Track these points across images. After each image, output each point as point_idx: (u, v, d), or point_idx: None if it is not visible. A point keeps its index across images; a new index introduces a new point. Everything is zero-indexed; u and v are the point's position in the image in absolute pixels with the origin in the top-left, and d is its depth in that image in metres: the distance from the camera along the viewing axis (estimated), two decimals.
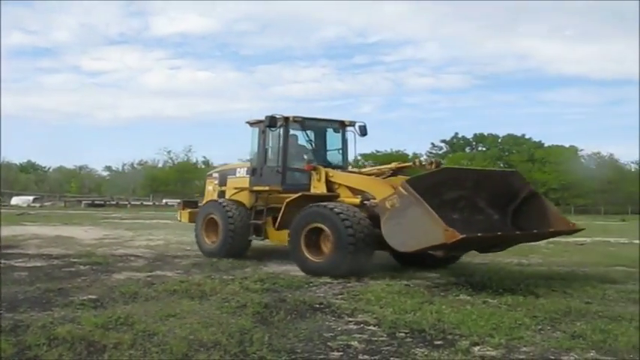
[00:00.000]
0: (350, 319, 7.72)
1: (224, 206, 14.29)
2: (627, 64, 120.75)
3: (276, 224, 13.11)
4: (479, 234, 10.20)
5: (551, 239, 18.96)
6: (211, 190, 15.91)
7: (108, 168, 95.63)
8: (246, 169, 14.76)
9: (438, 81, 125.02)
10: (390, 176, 12.54)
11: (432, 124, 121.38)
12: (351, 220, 11.13)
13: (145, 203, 69.68)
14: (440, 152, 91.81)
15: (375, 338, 6.75)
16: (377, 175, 12.99)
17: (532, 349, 6.42)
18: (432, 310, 7.98)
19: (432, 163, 12.40)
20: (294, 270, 11.91)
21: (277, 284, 10.12)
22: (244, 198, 14.50)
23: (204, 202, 16.00)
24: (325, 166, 13.26)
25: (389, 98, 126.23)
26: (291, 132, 13.89)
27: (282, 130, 13.62)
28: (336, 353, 6.15)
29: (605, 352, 6.33)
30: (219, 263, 12.94)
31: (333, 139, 14.72)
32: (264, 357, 5.87)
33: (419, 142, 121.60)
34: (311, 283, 10.50)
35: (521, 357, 6.14)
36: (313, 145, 14.25)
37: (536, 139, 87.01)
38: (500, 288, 9.94)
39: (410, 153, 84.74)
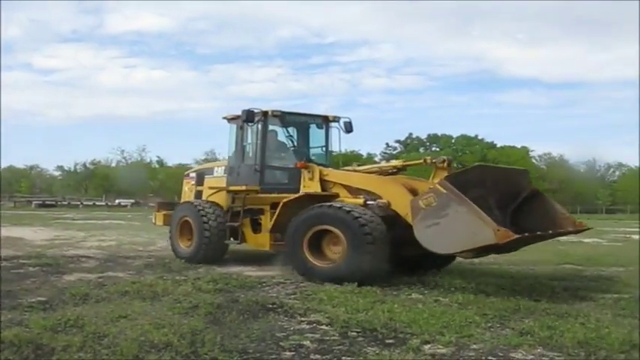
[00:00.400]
0: (302, 318, 7.74)
1: (198, 208, 13.57)
2: (576, 67, 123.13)
3: (270, 227, 12.22)
4: (526, 234, 9.60)
5: None
6: (188, 190, 15.29)
7: (60, 168, 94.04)
8: (223, 168, 14.17)
9: (393, 82, 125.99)
10: (389, 175, 12.03)
11: (387, 125, 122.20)
12: (365, 218, 10.38)
13: (97, 203, 68.83)
14: (394, 152, 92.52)
15: (327, 338, 6.78)
16: (377, 173, 12.26)
17: (481, 346, 6.52)
18: (384, 309, 8.03)
19: (444, 161, 11.05)
20: (247, 270, 11.94)
21: (230, 284, 10.08)
22: (221, 199, 13.80)
23: (181, 203, 15.29)
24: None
25: (344, 98, 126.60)
26: (271, 127, 13.27)
27: (260, 125, 12.90)
28: (288, 353, 6.17)
29: (551, 348, 6.46)
30: (172, 264, 12.89)
31: (315, 135, 14.03)
32: (216, 358, 5.85)
33: (374, 142, 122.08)
34: (264, 283, 10.51)
35: (470, 354, 6.23)
36: (294, 141, 13.64)
37: (488, 139, 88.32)
38: (451, 287, 10.07)
39: (364, 153, 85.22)
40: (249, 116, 12.64)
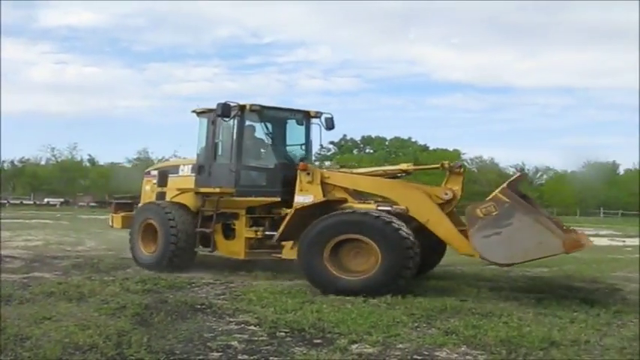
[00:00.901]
0: (231, 319, 7.73)
1: (165, 210, 12.30)
2: (507, 72, 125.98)
3: (278, 236, 10.89)
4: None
5: None
6: (149, 190, 13.98)
7: None
8: (191, 166, 12.92)
9: (328, 83, 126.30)
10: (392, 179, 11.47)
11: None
12: (406, 231, 9.69)
13: (25, 202, 67.10)
14: (328, 154, 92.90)
15: (255, 338, 6.80)
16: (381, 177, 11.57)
17: (407, 345, 6.63)
18: (313, 310, 8.10)
19: (460, 166, 10.85)
20: (177, 270, 11.79)
21: (159, 285, 10.00)
22: (189, 201, 12.59)
23: (141, 204, 14.16)
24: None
25: (280, 99, 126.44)
26: (248, 123, 12.14)
27: (236, 120, 11.75)
28: (215, 354, 6.16)
29: (475, 346, 6.63)
30: (100, 264, 12.69)
31: (296, 132, 12.81)
32: (142, 359, 5.81)
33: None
34: (193, 283, 10.45)
35: (396, 353, 6.33)
36: (274, 139, 12.43)
37: (421, 142, 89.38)
38: None
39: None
40: (224, 110, 11.44)
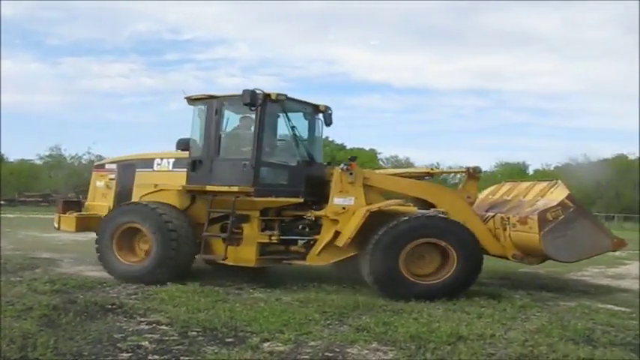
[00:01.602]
0: (142, 319, 7.63)
1: (159, 212, 10.74)
2: (424, 74, 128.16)
3: (348, 240, 10.08)
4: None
5: None
6: (103, 186, 12.34)
7: None
8: (172, 160, 11.49)
9: (248, 81, 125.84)
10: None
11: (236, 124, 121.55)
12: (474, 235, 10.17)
13: None
14: None
15: (167, 338, 6.73)
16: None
17: (319, 342, 6.71)
18: (225, 309, 8.09)
19: (480, 171, 11.50)
20: (88, 270, 11.57)
21: (68, 285, 9.74)
22: (173, 201, 11.19)
23: (89, 202, 12.53)
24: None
25: None
26: (270, 114, 10.82)
27: (257, 110, 10.52)
28: (125, 354, 6.08)
29: (385, 342, 6.78)
30: (8, 264, 12.22)
31: (312, 127, 11.85)
32: None
33: None
34: (105, 283, 10.24)
35: (308, 351, 6.40)
36: (294, 132, 11.11)
37: (339, 141, 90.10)
38: (294, 286, 10.26)
39: None
40: (253, 98, 10.25)
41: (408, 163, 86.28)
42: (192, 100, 11.23)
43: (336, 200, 10.48)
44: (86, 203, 12.59)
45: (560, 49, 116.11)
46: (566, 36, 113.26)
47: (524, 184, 11.91)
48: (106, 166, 12.63)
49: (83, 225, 12.15)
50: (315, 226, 10.66)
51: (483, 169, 12.98)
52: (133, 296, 9.19)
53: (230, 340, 6.70)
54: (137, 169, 11.84)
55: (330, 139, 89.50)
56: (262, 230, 10.71)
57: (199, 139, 11.21)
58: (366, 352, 6.47)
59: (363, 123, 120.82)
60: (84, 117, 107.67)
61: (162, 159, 11.65)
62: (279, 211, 10.85)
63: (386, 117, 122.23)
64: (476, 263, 9.99)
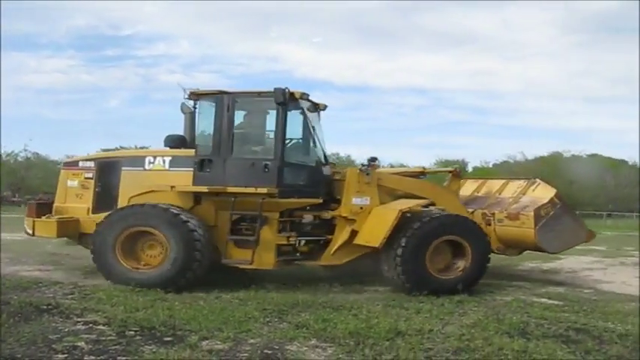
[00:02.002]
0: (79, 319, 7.50)
1: (177, 214, 10.11)
2: (365, 72, 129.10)
3: (383, 240, 10.12)
4: None
5: None
6: (77, 186, 11.24)
7: None
8: (168, 158, 10.85)
9: (189, 78, 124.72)
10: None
11: (180, 121, 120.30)
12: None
13: None
14: None
15: (104, 338, 6.64)
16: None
17: (258, 340, 6.72)
18: (164, 307, 8.03)
19: (461, 171, 13.27)
20: (23, 270, 11.34)
21: (3, 286, 9.48)
22: (171, 202, 10.45)
23: (59, 203, 11.31)
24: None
25: (137, 93, 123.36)
26: (293, 113, 10.81)
27: (280, 109, 10.39)
28: (60, 355, 5.98)
29: (324, 339, 6.83)
30: None
31: (320, 126, 11.75)
32: None
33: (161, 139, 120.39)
34: (40, 283, 10.01)
35: (247, 349, 6.39)
36: (313, 132, 11.09)
37: None
38: (234, 284, 10.20)
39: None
40: (285, 97, 10.17)
41: (349, 161, 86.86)
42: (197, 95, 10.93)
43: (354, 200, 10.66)
44: (54, 205, 11.39)
45: (497, 49, 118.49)
46: (504, 36, 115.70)
47: (494, 182, 13.23)
48: (80, 163, 11.41)
49: (64, 230, 11.07)
50: (327, 226, 10.81)
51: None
52: (70, 296, 9.03)
53: (168, 339, 6.65)
54: (123, 168, 11.04)
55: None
56: (279, 232, 10.58)
57: (207, 136, 10.85)
58: (305, 348, 6.50)
59: None
60: (20, 113, 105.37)
61: (155, 157, 10.94)
62: (292, 211, 10.76)
63: (327, 114, 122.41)
64: (487, 257, 10.77)
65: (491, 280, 11.77)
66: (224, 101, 10.50)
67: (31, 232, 11.24)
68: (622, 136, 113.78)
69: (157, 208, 10.21)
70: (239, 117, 10.84)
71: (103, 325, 7.20)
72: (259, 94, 10.54)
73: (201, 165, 10.47)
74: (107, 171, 11.14)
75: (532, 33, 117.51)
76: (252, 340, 6.69)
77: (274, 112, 10.49)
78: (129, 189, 10.79)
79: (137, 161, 11.04)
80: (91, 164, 11.28)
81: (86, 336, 6.69)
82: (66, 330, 6.94)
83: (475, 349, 6.53)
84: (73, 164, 11.52)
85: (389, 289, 10.30)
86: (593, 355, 6.58)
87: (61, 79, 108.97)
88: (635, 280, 12.99)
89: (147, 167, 10.88)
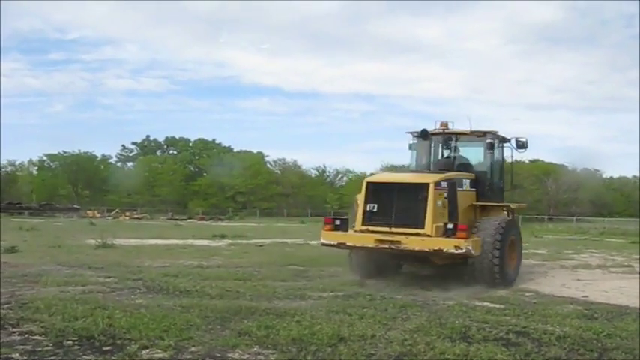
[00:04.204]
0: (15, 329, 7.28)
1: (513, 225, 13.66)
2: (313, 78, 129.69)
3: None
4: None
5: (232, 242, 19.67)
6: (440, 205, 12.05)
7: None
8: (470, 181, 13.35)
9: (136, 83, 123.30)
10: None
11: (126, 126, 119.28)
12: None
13: None
14: (130, 155, 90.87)
15: (40, 348, 6.47)
16: None
17: (200, 348, 6.63)
18: (104, 316, 7.81)
19: None
20: None
21: None
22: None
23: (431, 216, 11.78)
24: None
25: (83, 98, 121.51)
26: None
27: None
28: None
29: (267, 346, 6.76)
30: None
31: None
32: None
33: (110, 144, 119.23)
34: None
35: (188, 357, 6.30)
36: None
37: (226, 144, 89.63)
38: (176, 290, 10.09)
39: (99, 155, 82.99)
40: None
41: (295, 165, 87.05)
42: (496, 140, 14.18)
43: None
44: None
45: (442, 57, 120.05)
46: (449, 45, 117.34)
47: None
48: (442, 184, 12.18)
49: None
50: None
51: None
52: (6, 305, 8.74)
53: (108, 348, 6.50)
54: (457, 188, 12.58)
55: (217, 141, 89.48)
56: None
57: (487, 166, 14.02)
58: (248, 356, 6.43)
59: (252, 126, 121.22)
60: None
61: (465, 179, 13.22)
62: None
63: (275, 120, 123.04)
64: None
65: (435, 283, 11.87)
66: (492, 139, 14.13)
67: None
68: (562, 141, 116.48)
69: (514, 223, 14.40)
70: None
71: (40, 335, 7.01)
72: None
73: (487, 187, 13.92)
74: (453, 190, 12.46)
75: (476, 42, 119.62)
76: (193, 348, 6.60)
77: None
78: (465, 207, 12.97)
79: (460, 183, 12.98)
80: (445, 185, 12.27)
81: (21, 347, 6.50)
82: (0, 341, 6.74)
83: (417, 354, 6.55)
84: (438, 185, 12.05)
85: (332, 295, 10.28)
86: (532, 357, 6.67)
87: (5, 82, 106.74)
88: (573, 282, 13.29)
89: (463, 188, 13.05)
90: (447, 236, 11.42)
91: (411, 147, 14.48)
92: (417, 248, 11.43)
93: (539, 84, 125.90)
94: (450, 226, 11.55)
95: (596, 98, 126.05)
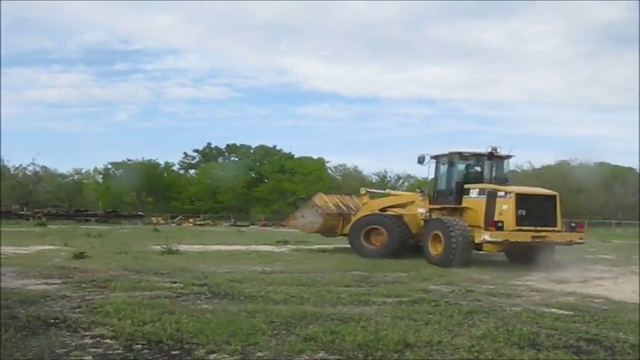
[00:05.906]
0: (86, 333, 7.43)
1: None
2: (372, 84, 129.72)
3: None
4: None
5: (295, 247, 19.75)
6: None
7: None
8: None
9: (198, 91, 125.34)
10: None
11: (188, 134, 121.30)
12: None
13: None
14: (193, 162, 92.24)
15: (111, 352, 6.59)
16: None
17: (266, 353, 6.64)
18: (172, 320, 7.92)
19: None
20: (30, 284, 11.28)
21: (10, 300, 9.42)
22: None
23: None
24: None
25: (147, 107, 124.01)
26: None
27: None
28: None
29: (333, 351, 6.74)
30: None
31: None
32: None
33: (173, 152, 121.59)
34: (48, 297, 9.93)
35: None
36: None
37: (287, 150, 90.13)
38: (241, 296, 10.17)
39: (162, 162, 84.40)
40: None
41: (356, 171, 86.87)
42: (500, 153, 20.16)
43: None
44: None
45: (503, 60, 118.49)
46: (510, 47, 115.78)
47: None
48: (499, 193, 17.69)
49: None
50: None
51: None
52: (77, 310, 8.95)
53: (176, 352, 6.59)
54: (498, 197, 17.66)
55: (278, 148, 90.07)
56: None
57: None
58: None
59: (312, 132, 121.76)
60: (28, 127, 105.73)
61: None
62: None
63: (335, 126, 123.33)
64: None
65: (500, 290, 11.71)
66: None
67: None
68: (628, 144, 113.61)
69: None
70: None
71: (110, 338, 7.15)
72: None
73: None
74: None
75: (537, 44, 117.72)
76: (259, 354, 6.63)
77: None
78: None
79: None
80: (507, 193, 17.62)
81: (93, 350, 6.64)
82: (73, 344, 6.88)
83: None
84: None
85: (397, 301, 10.22)
86: None
87: (72, 93, 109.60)
88: None
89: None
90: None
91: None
92: (558, 240, 17.33)
93: (604, 85, 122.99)
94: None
95: None
